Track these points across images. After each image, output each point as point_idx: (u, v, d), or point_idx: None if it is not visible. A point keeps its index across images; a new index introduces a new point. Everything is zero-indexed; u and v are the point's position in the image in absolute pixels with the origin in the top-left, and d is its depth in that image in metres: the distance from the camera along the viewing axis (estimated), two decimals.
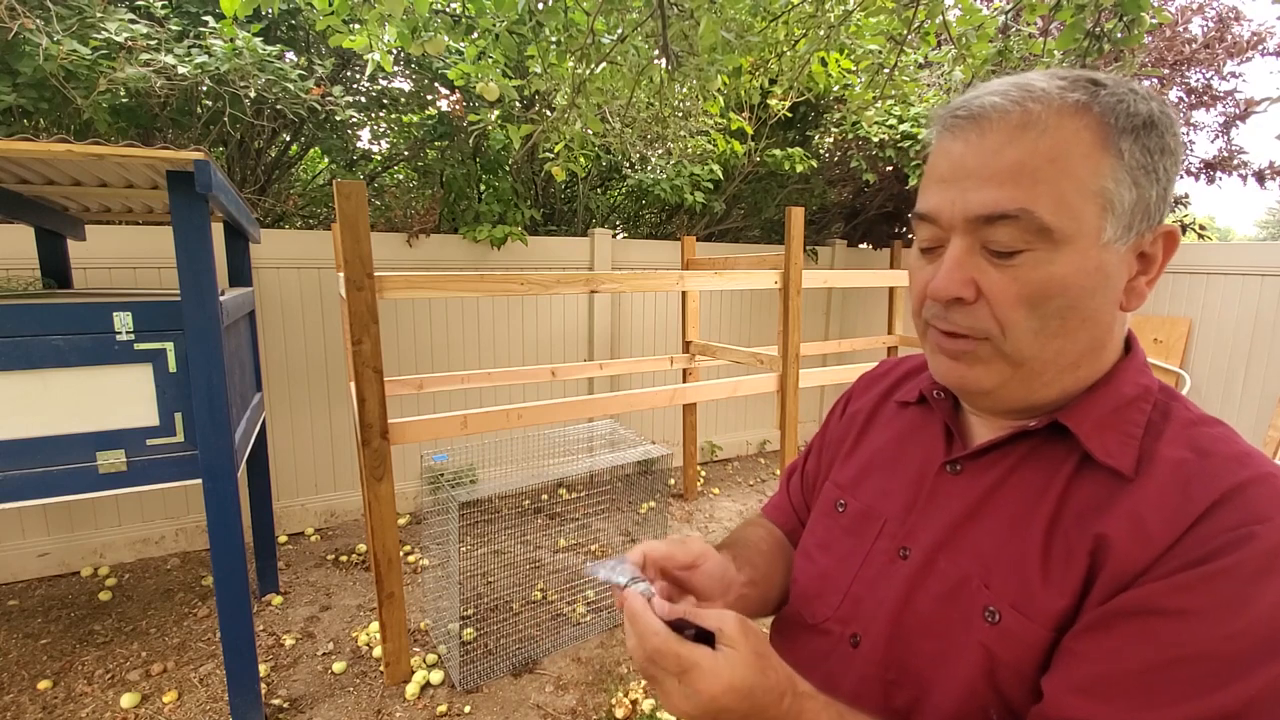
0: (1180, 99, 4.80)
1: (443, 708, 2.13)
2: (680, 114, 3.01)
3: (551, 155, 2.94)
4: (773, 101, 3.70)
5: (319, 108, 2.99)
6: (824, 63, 2.90)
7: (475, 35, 2.57)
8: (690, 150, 3.37)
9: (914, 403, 0.70)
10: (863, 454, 0.72)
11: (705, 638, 0.51)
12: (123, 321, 1.63)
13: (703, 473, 4.43)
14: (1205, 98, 4.76)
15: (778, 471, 3.76)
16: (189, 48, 2.64)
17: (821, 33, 2.54)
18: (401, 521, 3.53)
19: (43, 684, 2.19)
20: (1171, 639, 0.45)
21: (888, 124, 4.08)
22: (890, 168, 4.36)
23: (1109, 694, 0.46)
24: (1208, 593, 0.45)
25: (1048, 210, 0.49)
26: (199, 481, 1.75)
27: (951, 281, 0.53)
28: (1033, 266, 0.51)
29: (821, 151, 4.75)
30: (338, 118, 3.20)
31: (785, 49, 2.83)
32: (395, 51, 3.05)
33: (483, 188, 3.75)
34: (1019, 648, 0.52)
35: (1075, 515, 0.52)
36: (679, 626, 0.51)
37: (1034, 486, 0.56)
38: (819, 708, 0.51)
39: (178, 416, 1.72)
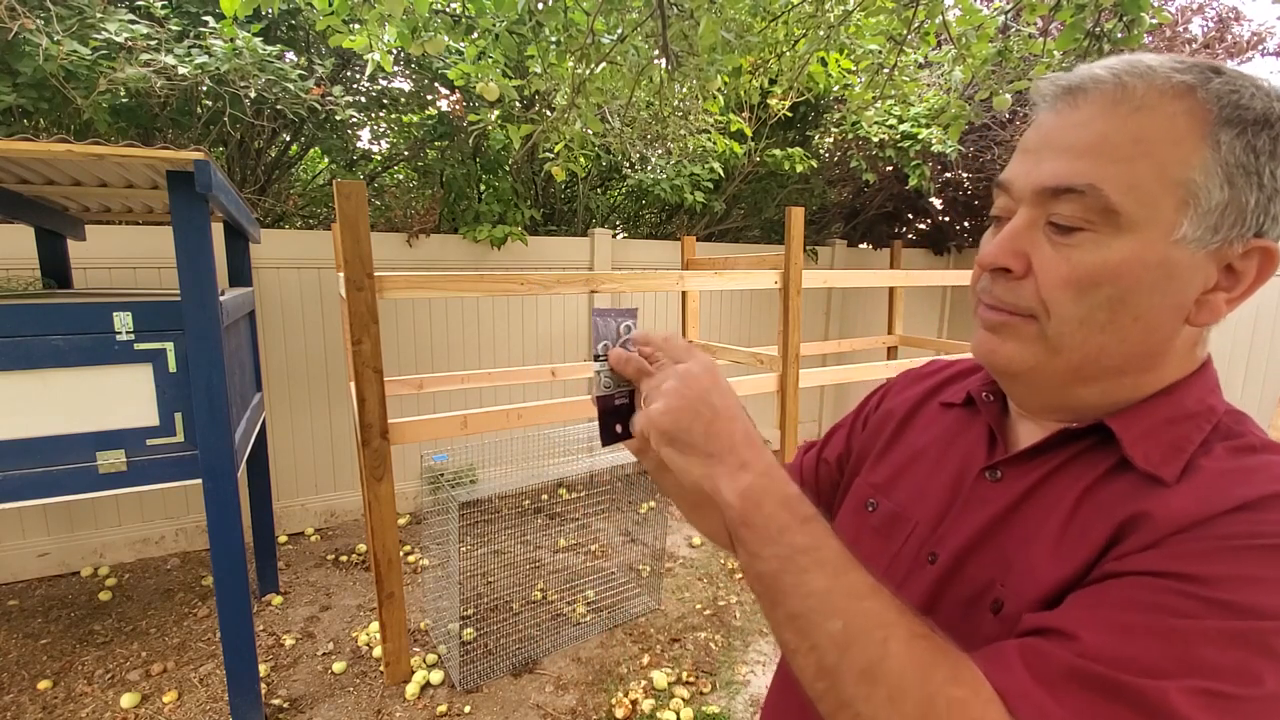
0: None
1: (443, 708, 2.13)
2: (680, 114, 3.01)
3: (551, 155, 2.94)
4: (773, 101, 3.70)
5: (319, 108, 2.99)
6: (824, 63, 2.90)
7: (475, 35, 2.57)
8: (691, 150, 3.37)
9: (959, 405, 0.67)
10: (898, 454, 0.69)
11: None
12: (123, 321, 1.63)
13: None
14: None
15: None
16: (189, 48, 2.64)
17: (821, 33, 2.54)
18: (401, 521, 3.53)
19: (43, 684, 2.19)
20: (1163, 588, 0.42)
21: (887, 124, 4.08)
22: (890, 168, 4.37)
23: (1077, 617, 0.44)
24: (1219, 562, 0.42)
25: (1117, 190, 0.46)
26: (199, 481, 1.75)
27: (1002, 250, 0.51)
28: (1088, 248, 0.47)
29: (821, 151, 4.75)
30: (338, 118, 3.20)
31: (785, 49, 2.83)
32: (395, 51, 3.05)
33: (483, 188, 3.75)
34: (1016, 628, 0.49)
35: (1098, 504, 0.50)
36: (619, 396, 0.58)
37: (1067, 489, 0.53)
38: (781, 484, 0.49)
39: (178, 416, 1.72)
